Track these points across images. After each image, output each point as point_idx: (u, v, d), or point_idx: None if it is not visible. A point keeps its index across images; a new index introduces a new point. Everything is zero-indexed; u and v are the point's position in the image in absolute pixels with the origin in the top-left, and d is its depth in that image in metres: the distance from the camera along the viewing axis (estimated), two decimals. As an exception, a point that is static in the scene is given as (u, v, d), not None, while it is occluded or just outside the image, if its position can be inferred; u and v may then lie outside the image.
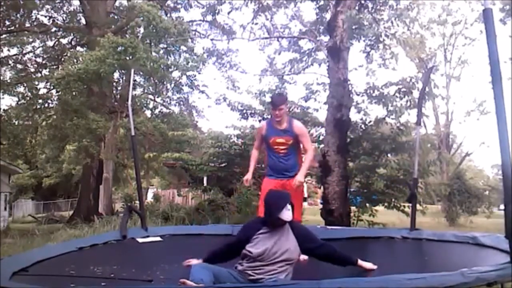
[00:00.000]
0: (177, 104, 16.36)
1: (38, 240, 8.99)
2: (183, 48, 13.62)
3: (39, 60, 17.68)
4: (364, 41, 10.06)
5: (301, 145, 4.07)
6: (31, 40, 16.63)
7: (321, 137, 10.70)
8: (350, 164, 10.21)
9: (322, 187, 9.71)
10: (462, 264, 2.42)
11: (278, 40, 12.75)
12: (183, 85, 14.75)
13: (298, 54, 12.04)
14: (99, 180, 16.92)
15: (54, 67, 16.93)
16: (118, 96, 15.64)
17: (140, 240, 4.23)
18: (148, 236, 4.36)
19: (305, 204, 24.48)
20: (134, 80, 13.60)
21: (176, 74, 13.79)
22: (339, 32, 9.24)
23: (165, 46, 13.56)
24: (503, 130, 2.24)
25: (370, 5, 10.43)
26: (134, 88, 13.66)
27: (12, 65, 16.68)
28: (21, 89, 15.34)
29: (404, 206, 9.74)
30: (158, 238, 4.37)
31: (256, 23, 12.47)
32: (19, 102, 15.19)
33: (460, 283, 2.00)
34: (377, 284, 2.05)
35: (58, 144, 17.88)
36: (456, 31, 25.39)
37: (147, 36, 12.75)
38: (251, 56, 43.39)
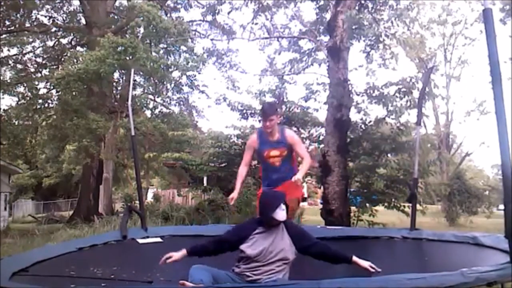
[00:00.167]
0: (177, 104, 16.37)
1: (38, 240, 8.99)
2: (183, 48, 13.62)
3: (39, 60, 17.68)
4: (364, 41, 10.06)
5: (296, 153, 3.98)
6: (31, 40, 16.61)
7: (321, 137, 10.71)
8: (350, 164, 10.21)
9: (322, 187, 9.72)
10: (462, 264, 2.42)
11: (278, 40, 12.76)
12: (183, 85, 14.75)
13: (298, 54, 12.04)
14: (99, 180, 16.91)
15: (54, 67, 16.93)
16: (118, 96, 15.65)
17: (140, 241, 4.23)
18: (148, 237, 4.35)
19: (305, 204, 24.49)
20: (134, 80, 13.60)
21: (176, 74, 13.80)
22: (339, 32, 9.25)
23: (165, 46, 13.56)
24: (503, 130, 2.24)
25: (370, 5, 10.43)
26: (134, 88, 13.67)
27: (12, 65, 16.67)
28: (21, 89, 15.35)
29: (404, 206, 9.75)
30: (158, 239, 4.37)
31: (256, 23, 12.49)
32: (19, 102, 15.19)
33: (460, 283, 2.00)
34: (377, 284, 2.05)
35: (58, 144, 17.87)
36: (456, 31, 25.41)
37: (147, 36, 12.75)
38: (251, 56, 43.44)
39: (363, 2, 10.26)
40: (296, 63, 12.15)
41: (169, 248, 4.16)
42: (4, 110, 15.46)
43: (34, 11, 16.87)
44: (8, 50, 16.41)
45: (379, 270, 2.50)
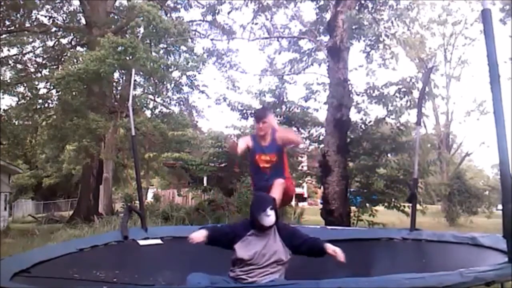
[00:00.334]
0: (177, 104, 16.38)
1: (38, 240, 8.99)
2: (183, 48, 13.63)
3: (39, 60, 17.68)
4: (364, 41, 10.07)
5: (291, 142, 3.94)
6: (31, 40, 16.62)
7: (321, 137, 10.72)
8: (350, 164, 10.22)
9: (322, 187, 9.72)
10: (461, 265, 2.42)
11: (278, 40, 12.76)
12: (183, 85, 14.77)
13: (298, 54, 12.04)
14: (99, 180, 16.91)
15: (54, 67, 16.94)
16: (118, 96, 15.65)
17: (141, 242, 4.22)
18: (148, 238, 4.35)
19: (305, 204, 24.49)
20: (134, 80, 13.59)
21: (176, 74, 13.81)
22: (339, 32, 9.25)
23: (165, 46, 13.57)
24: (501, 130, 2.25)
25: (370, 5, 10.44)
26: (134, 88, 13.66)
27: (12, 65, 16.68)
28: (21, 89, 15.38)
29: (404, 206, 9.76)
30: (159, 241, 4.36)
31: (256, 23, 12.49)
32: (19, 102, 15.21)
33: (458, 283, 2.01)
34: (377, 284, 2.05)
35: (58, 144, 17.86)
36: (456, 31, 25.43)
37: (147, 36, 12.76)
38: (251, 56, 43.42)
39: (363, 2, 10.26)
40: (296, 63, 12.15)
41: (169, 249, 4.18)
42: (4, 110, 15.49)
43: (34, 11, 16.88)
44: (8, 50, 16.45)
45: (342, 260, 2.53)
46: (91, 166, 16.06)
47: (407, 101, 9.53)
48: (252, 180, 3.98)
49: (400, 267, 2.90)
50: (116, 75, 14.86)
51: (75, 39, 18.36)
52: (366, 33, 9.24)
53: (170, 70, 13.18)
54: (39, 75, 16.78)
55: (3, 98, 15.36)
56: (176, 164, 15.40)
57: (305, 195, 28.56)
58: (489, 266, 2.23)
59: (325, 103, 10.08)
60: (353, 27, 9.14)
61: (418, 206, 6.30)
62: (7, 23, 16.18)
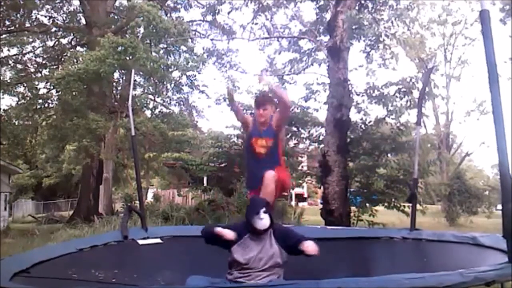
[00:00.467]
0: (177, 104, 16.38)
1: (38, 240, 8.99)
2: (183, 48, 13.63)
3: (39, 60, 17.68)
4: (364, 41, 10.07)
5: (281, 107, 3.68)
6: (31, 40, 16.62)
7: (321, 137, 10.72)
8: (350, 164, 10.22)
9: (322, 187, 9.72)
10: (461, 264, 2.43)
11: (278, 40, 12.77)
12: (183, 85, 14.77)
13: (298, 54, 12.05)
14: (99, 180, 16.91)
15: (54, 67, 16.94)
16: (118, 96, 15.65)
17: (141, 242, 4.22)
18: (148, 237, 4.35)
19: (305, 204, 24.50)
20: (134, 80, 13.60)
21: (176, 74, 13.81)
22: (339, 32, 9.25)
23: (165, 46, 13.56)
24: (500, 130, 2.25)
25: (370, 5, 10.44)
26: (134, 88, 13.66)
27: (12, 65, 16.68)
28: (21, 89, 15.37)
29: (404, 206, 9.76)
30: (158, 240, 4.36)
31: (256, 23, 12.49)
32: (19, 102, 15.20)
33: (458, 283, 2.01)
34: (377, 284, 2.05)
35: (58, 144, 17.86)
36: (456, 31, 25.44)
37: (147, 36, 12.76)
38: (251, 56, 43.41)
39: (363, 2, 10.27)
40: (296, 63, 12.16)
41: (169, 249, 4.18)
42: (4, 110, 15.48)
43: (34, 11, 16.88)
44: (8, 50, 16.45)
45: (313, 253, 2.51)
46: (91, 166, 16.06)
47: (407, 101, 9.53)
48: (247, 168, 3.85)
49: (400, 267, 2.91)
50: (116, 75, 14.87)
51: (75, 39, 18.36)
52: (366, 33, 9.24)
53: (170, 70, 13.17)
54: (39, 75, 16.78)
55: (3, 98, 15.38)
56: (176, 164, 15.40)
57: (305, 195, 28.57)
58: (489, 266, 2.23)
59: (325, 103, 10.08)
60: (353, 27, 9.14)
61: (418, 206, 6.30)
62: (7, 23, 16.18)
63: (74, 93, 13.49)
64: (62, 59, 16.93)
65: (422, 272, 2.20)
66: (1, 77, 15.66)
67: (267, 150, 3.61)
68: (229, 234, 2.67)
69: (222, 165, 12.88)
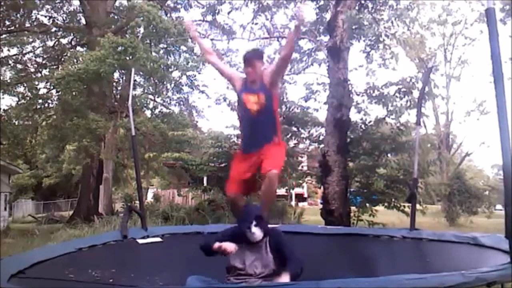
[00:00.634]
0: (177, 104, 16.38)
1: (38, 240, 8.99)
2: (183, 48, 13.62)
3: (39, 60, 17.69)
4: (364, 41, 10.07)
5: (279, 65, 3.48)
6: (31, 40, 16.63)
7: (321, 137, 10.71)
8: (350, 164, 10.22)
9: (322, 187, 9.71)
10: (462, 264, 2.42)
11: (278, 40, 12.77)
12: (183, 85, 14.77)
13: (298, 54, 12.04)
14: (99, 180, 16.91)
15: (54, 67, 16.94)
16: (118, 96, 15.64)
17: (140, 241, 4.22)
18: (148, 236, 4.35)
19: (305, 204, 24.50)
20: (134, 80, 13.60)
21: (176, 74, 13.81)
22: (339, 32, 9.25)
23: (165, 46, 13.56)
24: (504, 130, 2.23)
25: (370, 5, 10.44)
26: (134, 88, 13.66)
27: (12, 65, 16.69)
28: (21, 89, 15.38)
29: (404, 206, 9.75)
30: (158, 239, 4.36)
31: (256, 23, 12.50)
32: (19, 102, 15.20)
33: (460, 283, 2.00)
34: (377, 284, 2.04)
35: (58, 144, 17.86)
36: (456, 31, 25.42)
37: (147, 36, 12.76)
38: (251, 56, 43.25)
39: (363, 2, 10.26)
40: (296, 63, 12.15)
41: (168, 247, 4.18)
42: (4, 110, 15.48)
43: (34, 11, 16.88)
44: (8, 50, 16.46)
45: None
46: (91, 166, 16.06)
47: (407, 101, 9.53)
48: (242, 131, 3.59)
49: (400, 267, 2.90)
50: (116, 75, 14.86)
51: (75, 39, 18.36)
52: (366, 33, 9.24)
53: (170, 70, 13.17)
54: (39, 75, 16.78)
55: (3, 98, 15.38)
56: (176, 164, 15.40)
57: (305, 195, 28.57)
58: (491, 266, 2.23)
59: (325, 103, 10.08)
60: (353, 27, 9.13)
61: (418, 206, 6.31)
62: (7, 23, 16.18)
63: (74, 93, 13.49)
64: (62, 59, 16.93)
65: (423, 272, 2.20)
66: (1, 77, 15.67)
67: (261, 107, 3.33)
68: (230, 247, 2.60)
69: (222, 165, 12.86)
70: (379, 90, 9.67)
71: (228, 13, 13.31)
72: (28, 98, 15.00)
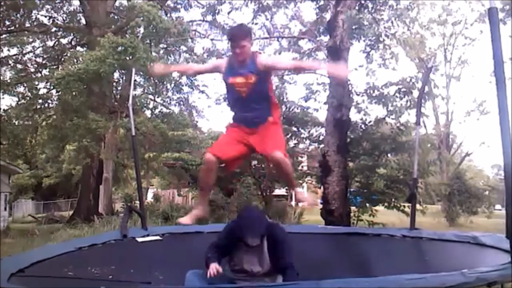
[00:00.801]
0: (177, 104, 16.39)
1: (38, 240, 9.00)
2: (183, 48, 13.63)
3: (39, 60, 17.67)
4: (364, 41, 10.08)
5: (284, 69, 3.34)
6: (31, 40, 16.62)
7: (321, 137, 10.72)
8: (350, 164, 10.22)
9: (322, 187, 9.71)
10: (462, 264, 2.42)
11: (278, 40, 12.77)
12: (183, 85, 14.79)
13: (298, 54, 12.05)
14: (99, 180, 16.91)
15: (54, 67, 16.92)
16: (118, 96, 15.64)
17: (140, 239, 4.22)
18: (148, 236, 4.35)
19: (305, 204, 24.47)
20: (134, 80, 13.59)
21: (176, 74, 13.80)
22: (339, 32, 9.25)
23: (165, 46, 13.56)
24: (505, 130, 2.22)
25: (370, 5, 10.44)
26: (134, 88, 13.65)
27: (12, 65, 16.67)
28: (21, 89, 15.36)
29: (404, 206, 9.75)
30: (158, 237, 4.36)
31: (256, 23, 12.49)
32: (19, 102, 15.20)
33: (460, 283, 2.00)
34: (377, 284, 2.04)
35: (58, 144, 17.86)
36: (456, 31, 25.42)
37: (147, 36, 12.75)
38: (251, 56, 43.25)
39: (363, 2, 10.26)
40: (296, 63, 12.14)
41: (168, 246, 4.18)
42: (4, 110, 15.48)
43: (34, 11, 16.86)
44: (8, 50, 16.44)
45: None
46: (91, 166, 16.06)
47: (407, 101, 9.54)
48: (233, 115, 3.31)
49: (400, 266, 2.90)
50: (116, 75, 14.86)
51: (75, 39, 18.34)
52: (366, 33, 9.25)
53: (170, 70, 13.14)
54: (39, 75, 16.76)
55: (3, 98, 15.37)
56: (176, 164, 15.39)
57: (305, 195, 28.50)
58: (491, 266, 2.22)
59: (325, 103, 10.09)
60: (353, 27, 9.14)
61: (418, 206, 6.31)
62: (7, 23, 16.17)
63: (74, 93, 13.48)
64: (62, 59, 16.92)
65: (423, 271, 2.20)
66: (1, 77, 15.66)
67: (249, 89, 3.03)
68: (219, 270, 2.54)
69: (222, 165, 12.86)
70: (379, 90, 9.68)
71: (228, 13, 13.32)
72: (28, 98, 14.99)
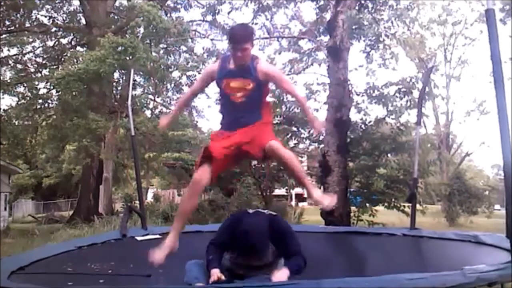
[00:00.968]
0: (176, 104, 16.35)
1: (38, 240, 9.00)
2: (183, 48, 13.63)
3: (39, 60, 17.68)
4: (364, 41, 10.10)
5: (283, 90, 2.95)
6: (31, 40, 16.63)
7: (321, 137, 10.72)
8: (350, 164, 10.22)
9: (322, 187, 9.71)
10: (463, 262, 2.41)
11: (278, 40, 12.78)
12: (183, 85, 14.77)
13: (298, 54, 12.07)
14: (99, 180, 16.91)
15: (54, 67, 16.92)
16: (118, 96, 15.64)
17: (139, 238, 4.23)
18: (147, 235, 4.36)
19: (305, 204, 24.49)
20: (134, 80, 13.61)
21: (176, 74, 13.84)
22: (339, 32, 9.25)
23: (165, 46, 13.57)
24: (505, 130, 2.23)
25: (370, 5, 10.45)
26: (134, 88, 13.67)
27: (12, 65, 16.69)
28: (21, 89, 15.37)
29: (404, 206, 9.75)
30: (157, 236, 4.37)
31: (256, 23, 12.49)
32: (19, 102, 15.20)
33: (461, 283, 2.00)
34: (378, 284, 2.04)
35: (58, 144, 17.86)
36: (456, 31, 25.46)
37: (147, 36, 12.76)
38: (251, 56, 43.27)
39: (363, 2, 10.27)
40: (296, 63, 12.18)
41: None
42: (4, 110, 15.48)
43: (34, 11, 16.87)
44: (8, 50, 16.45)
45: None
46: (91, 166, 16.06)
47: (407, 101, 9.55)
48: (222, 118, 2.94)
49: (400, 265, 2.89)
50: (116, 75, 14.86)
51: (75, 39, 18.35)
52: (366, 33, 9.26)
53: (170, 70, 13.18)
54: (39, 75, 16.77)
55: (3, 98, 15.38)
56: (176, 164, 15.41)
57: (305, 195, 28.55)
58: (491, 265, 2.22)
59: (325, 103, 10.10)
60: (353, 27, 9.15)
61: (418, 206, 6.31)
62: (7, 23, 16.18)
63: (74, 93, 13.48)
64: (62, 59, 16.92)
65: (424, 270, 2.20)
66: (1, 77, 15.67)
67: (245, 96, 2.74)
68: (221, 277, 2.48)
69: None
70: (379, 90, 9.69)
71: (228, 13, 13.33)
72: (28, 98, 15.00)
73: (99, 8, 16.11)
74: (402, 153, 10.52)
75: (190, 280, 2.46)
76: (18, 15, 16.42)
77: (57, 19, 17.96)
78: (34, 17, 17.25)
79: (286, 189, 15.74)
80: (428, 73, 7.50)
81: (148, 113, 14.94)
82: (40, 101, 15.39)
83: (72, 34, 18.25)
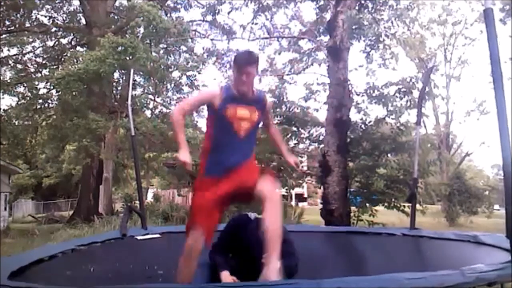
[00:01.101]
0: (177, 104, 16.36)
1: (38, 240, 9.00)
2: (183, 48, 13.63)
3: (39, 60, 17.69)
4: (364, 41, 10.10)
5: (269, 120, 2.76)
6: (31, 40, 16.64)
7: (321, 137, 10.72)
8: (350, 164, 10.22)
9: (322, 187, 9.72)
10: (462, 262, 2.42)
11: (278, 40, 12.79)
12: (183, 85, 14.78)
13: (298, 54, 12.08)
14: (99, 180, 16.91)
15: (54, 67, 16.93)
16: (118, 96, 15.64)
17: (139, 237, 4.24)
18: (147, 234, 4.36)
19: (305, 204, 24.51)
20: (134, 80, 13.60)
21: (176, 74, 13.83)
22: (339, 32, 9.26)
23: (165, 46, 13.56)
24: (504, 130, 2.23)
25: (370, 5, 10.45)
26: (134, 88, 13.66)
27: (12, 65, 16.70)
28: (21, 89, 15.39)
29: (404, 206, 9.75)
30: (157, 235, 4.38)
31: (256, 23, 12.53)
32: (19, 102, 15.21)
33: (460, 283, 2.00)
34: (377, 283, 2.04)
35: (58, 144, 17.87)
36: (456, 31, 25.45)
37: (147, 36, 12.76)
38: (251, 56, 43.26)
39: (363, 2, 10.28)
40: (296, 63, 12.19)
41: (167, 243, 4.18)
42: (4, 110, 15.49)
43: (34, 11, 16.88)
44: (8, 50, 16.47)
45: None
46: (91, 166, 16.06)
47: (407, 101, 9.56)
48: (209, 158, 2.61)
49: (400, 264, 2.90)
50: (116, 75, 14.86)
51: (75, 39, 18.36)
52: (366, 33, 9.27)
53: (170, 70, 13.18)
54: (39, 75, 16.77)
55: (3, 98, 15.39)
56: (176, 164, 15.39)
57: (305, 195, 28.59)
58: (491, 265, 2.22)
59: (325, 103, 10.10)
60: (353, 27, 9.16)
61: (418, 206, 6.32)
62: (7, 23, 16.18)
63: (74, 93, 13.48)
64: (62, 59, 16.93)
65: (424, 270, 2.20)
66: (1, 77, 15.67)
67: (250, 127, 2.52)
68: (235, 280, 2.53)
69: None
70: (379, 90, 9.69)
71: (228, 13, 13.36)
72: (28, 98, 15.01)
73: (99, 8, 16.11)
74: (402, 153, 10.51)
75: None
76: (18, 15, 16.43)
77: (57, 19, 17.98)
78: (34, 17, 17.28)
79: (286, 189, 15.73)
80: (428, 73, 7.50)
81: (148, 113, 14.93)
82: (40, 101, 15.40)
83: (72, 34, 18.26)
